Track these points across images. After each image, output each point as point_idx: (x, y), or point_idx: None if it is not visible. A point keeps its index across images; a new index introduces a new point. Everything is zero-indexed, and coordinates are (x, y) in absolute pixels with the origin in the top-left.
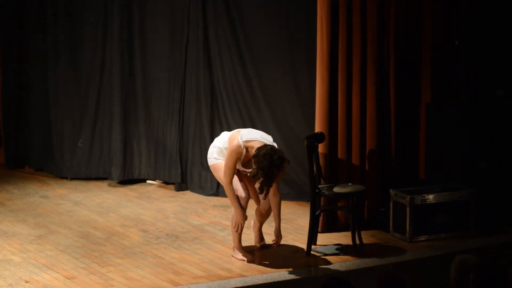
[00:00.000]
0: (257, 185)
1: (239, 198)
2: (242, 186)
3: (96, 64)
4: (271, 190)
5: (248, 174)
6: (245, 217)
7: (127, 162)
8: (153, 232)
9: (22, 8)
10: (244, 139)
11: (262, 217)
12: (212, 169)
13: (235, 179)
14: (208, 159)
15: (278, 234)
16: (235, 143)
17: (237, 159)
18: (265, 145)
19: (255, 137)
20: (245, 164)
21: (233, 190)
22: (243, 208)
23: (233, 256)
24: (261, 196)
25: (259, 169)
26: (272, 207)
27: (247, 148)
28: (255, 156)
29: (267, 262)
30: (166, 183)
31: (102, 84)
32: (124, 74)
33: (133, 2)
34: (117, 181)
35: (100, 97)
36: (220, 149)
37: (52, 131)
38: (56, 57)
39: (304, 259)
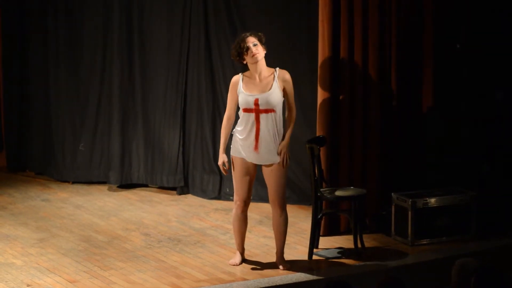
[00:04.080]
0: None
1: (239, 200)
2: (243, 189)
3: (97, 68)
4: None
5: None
6: (224, 160)
7: (125, 167)
8: (155, 235)
9: (23, 13)
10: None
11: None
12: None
13: (239, 180)
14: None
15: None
16: (233, 78)
17: (236, 88)
18: None
19: None
20: (254, 89)
21: (226, 126)
22: (224, 148)
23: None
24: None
25: (233, 53)
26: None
27: (244, 77)
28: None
29: (269, 266)
30: (164, 188)
31: (103, 87)
32: (123, 77)
33: (133, 5)
34: (116, 186)
35: (100, 101)
36: (232, 136)
37: (53, 135)
38: (57, 62)
39: (306, 263)
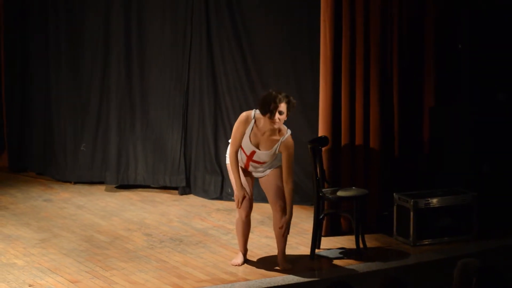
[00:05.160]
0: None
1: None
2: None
3: (98, 68)
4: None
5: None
6: (244, 192)
7: (126, 167)
8: (157, 236)
9: (25, 14)
10: (257, 112)
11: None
12: (228, 168)
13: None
14: (226, 157)
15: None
16: (245, 113)
17: (245, 128)
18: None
19: None
20: (256, 142)
21: (236, 161)
22: (241, 183)
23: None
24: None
25: (260, 102)
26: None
27: (256, 121)
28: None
29: (271, 266)
30: (165, 188)
31: (104, 88)
32: (125, 78)
33: (133, 5)
34: (114, 186)
35: (102, 101)
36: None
37: (54, 135)
38: (58, 62)
39: (307, 263)
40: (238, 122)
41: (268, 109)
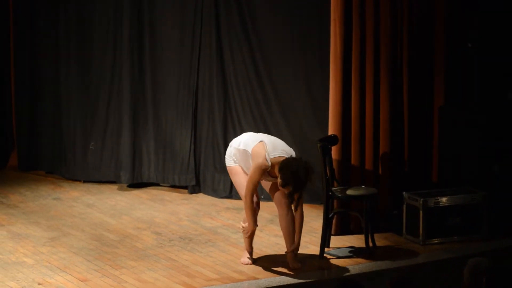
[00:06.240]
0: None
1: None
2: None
3: (107, 67)
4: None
5: (279, 186)
6: (256, 226)
7: (136, 166)
8: (166, 234)
9: (34, 14)
10: (271, 156)
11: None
12: (228, 171)
13: (243, 180)
14: (226, 159)
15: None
16: (261, 160)
17: (262, 175)
18: (290, 160)
19: (280, 153)
20: (266, 175)
21: (251, 203)
22: (255, 219)
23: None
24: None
25: (286, 183)
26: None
27: (272, 164)
28: (280, 170)
29: (280, 265)
30: (175, 186)
31: (113, 87)
32: (134, 77)
33: (143, 6)
34: (126, 185)
35: (111, 100)
36: (237, 150)
37: (63, 134)
38: (67, 61)
39: (317, 262)
40: (256, 169)
41: (285, 181)
